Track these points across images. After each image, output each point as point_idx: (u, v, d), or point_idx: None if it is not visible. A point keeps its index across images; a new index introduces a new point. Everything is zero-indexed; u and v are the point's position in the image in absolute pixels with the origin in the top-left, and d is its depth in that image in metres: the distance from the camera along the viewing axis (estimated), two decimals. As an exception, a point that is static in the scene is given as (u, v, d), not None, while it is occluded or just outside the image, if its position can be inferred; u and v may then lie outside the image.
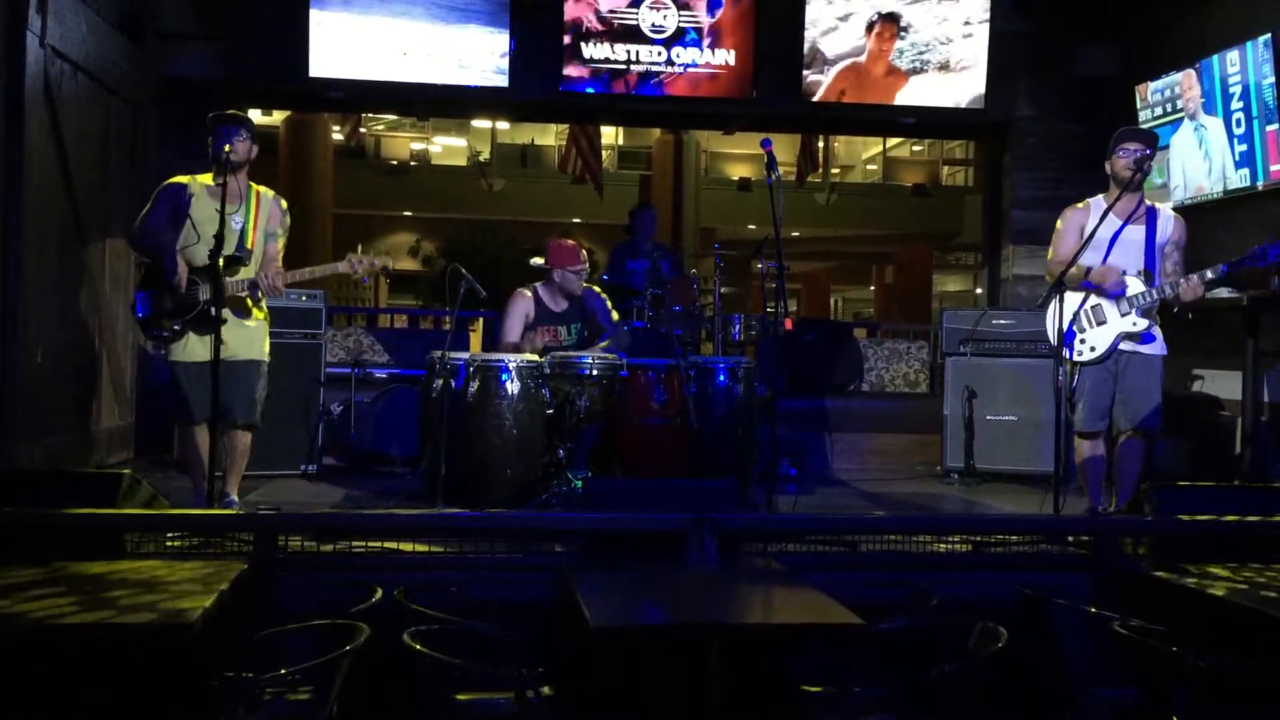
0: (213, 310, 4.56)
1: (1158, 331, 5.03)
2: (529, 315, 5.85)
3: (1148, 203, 5.08)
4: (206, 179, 4.93)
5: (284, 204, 5.13)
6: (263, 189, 5.05)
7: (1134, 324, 4.94)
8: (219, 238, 4.45)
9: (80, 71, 5.91)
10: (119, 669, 2.64)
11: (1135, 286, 4.93)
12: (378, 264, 5.09)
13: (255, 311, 5.01)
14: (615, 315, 6.06)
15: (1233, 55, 6.39)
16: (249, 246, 4.91)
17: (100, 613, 2.69)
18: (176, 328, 4.82)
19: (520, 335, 5.80)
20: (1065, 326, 4.89)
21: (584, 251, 5.96)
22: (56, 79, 5.59)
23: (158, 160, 6.98)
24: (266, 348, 5.07)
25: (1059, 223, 5.18)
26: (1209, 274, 4.80)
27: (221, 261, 4.52)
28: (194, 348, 4.82)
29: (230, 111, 5.03)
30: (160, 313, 4.84)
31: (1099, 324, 4.98)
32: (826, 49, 7.79)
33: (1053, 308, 4.95)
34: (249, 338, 4.95)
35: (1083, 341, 4.99)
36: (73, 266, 5.95)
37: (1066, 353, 4.92)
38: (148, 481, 4.08)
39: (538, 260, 5.95)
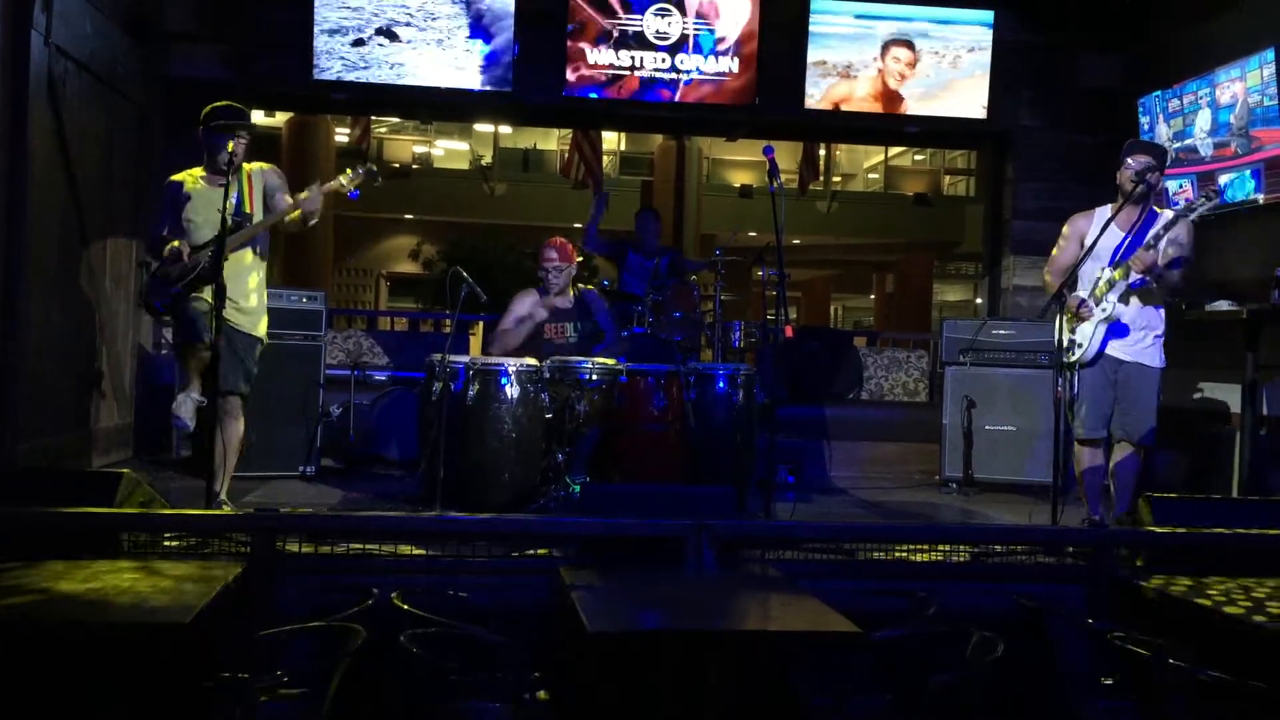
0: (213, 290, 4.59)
1: (1159, 341, 5.04)
2: (534, 314, 5.89)
3: (1155, 210, 5.09)
4: (199, 173, 5.00)
5: (277, 169, 5.23)
6: (251, 167, 5.10)
7: (1104, 311, 4.97)
8: (222, 232, 4.51)
9: (84, 71, 5.91)
10: (114, 669, 2.64)
11: (1104, 275, 4.98)
12: (360, 171, 5.26)
13: (252, 279, 5.05)
14: (607, 312, 6.09)
15: (1235, 69, 6.40)
16: (248, 210, 4.99)
17: (96, 612, 2.69)
18: (175, 291, 4.87)
19: (516, 326, 5.88)
20: (1062, 337, 4.90)
21: (559, 244, 6.00)
22: (61, 78, 5.60)
23: (162, 161, 6.97)
24: (264, 330, 5.14)
25: (1064, 229, 5.21)
26: (1151, 238, 4.84)
27: (226, 243, 4.59)
28: (200, 301, 4.87)
29: (226, 104, 5.03)
30: (158, 283, 4.94)
31: (1081, 321, 5.02)
32: (833, 64, 7.81)
33: (1058, 320, 4.96)
34: (249, 317, 5.03)
35: (1073, 341, 5.02)
36: (75, 265, 5.95)
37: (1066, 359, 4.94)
38: (146, 481, 4.09)
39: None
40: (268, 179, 5.12)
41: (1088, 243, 4.98)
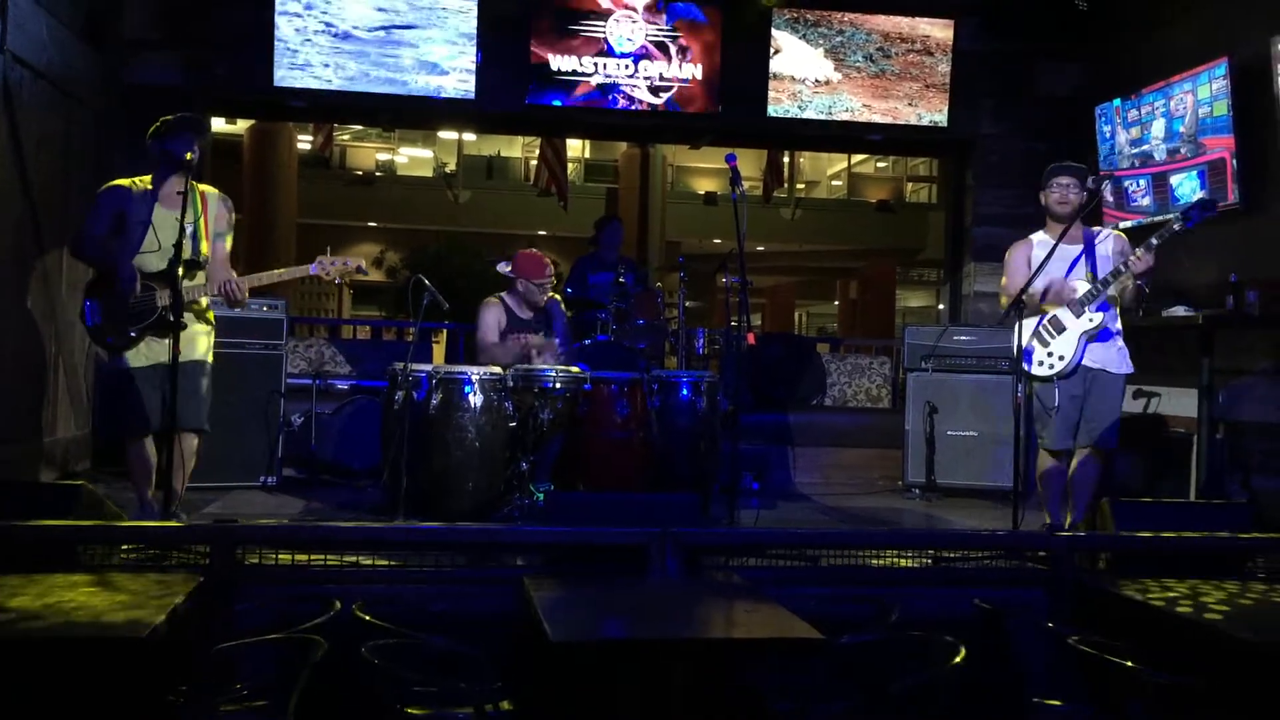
0: (171, 317, 4.44)
1: (1124, 348, 5.09)
2: (501, 321, 5.86)
3: (1088, 228, 5.18)
4: (147, 182, 4.86)
5: (229, 202, 5.06)
6: (205, 188, 4.96)
7: (1090, 320, 5.00)
8: (178, 246, 4.37)
9: (41, 78, 5.84)
10: (71, 683, 2.60)
11: (1083, 287, 5.00)
12: (350, 265, 4.98)
13: (207, 315, 4.95)
14: (565, 322, 6.05)
15: (1188, 82, 6.53)
16: (204, 253, 4.84)
17: (53, 626, 2.65)
18: (133, 334, 4.74)
19: (499, 336, 5.82)
20: (1021, 345, 4.93)
21: (550, 264, 5.98)
22: (16, 85, 5.53)
23: (121, 168, 6.89)
24: (209, 350, 4.98)
25: (1008, 260, 5.26)
26: (1154, 241, 4.83)
27: (181, 269, 4.44)
28: (146, 352, 4.75)
29: (182, 115, 4.93)
30: (114, 319, 4.74)
31: (1059, 332, 5.03)
32: (794, 72, 7.86)
33: (1017, 327, 4.99)
34: (193, 339, 4.84)
35: (1049, 354, 5.03)
36: (30, 273, 5.87)
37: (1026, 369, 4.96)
38: (104, 493, 4.04)
39: (504, 267, 5.96)
40: (219, 215, 4.93)
41: (1034, 265, 4.98)
